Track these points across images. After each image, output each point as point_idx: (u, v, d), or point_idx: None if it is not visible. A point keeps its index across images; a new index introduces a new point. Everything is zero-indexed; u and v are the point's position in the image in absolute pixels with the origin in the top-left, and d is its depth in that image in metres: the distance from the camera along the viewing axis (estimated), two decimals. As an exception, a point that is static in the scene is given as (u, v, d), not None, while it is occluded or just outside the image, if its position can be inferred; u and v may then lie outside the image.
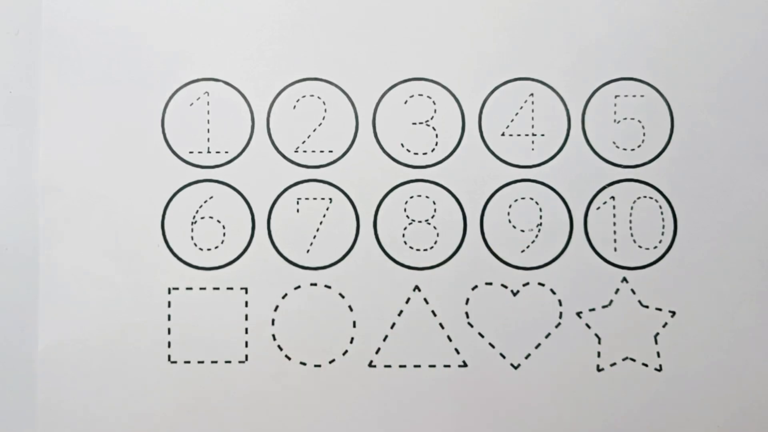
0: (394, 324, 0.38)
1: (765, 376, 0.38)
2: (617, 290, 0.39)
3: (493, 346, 0.38)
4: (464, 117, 0.39)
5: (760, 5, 0.40)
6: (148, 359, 0.38)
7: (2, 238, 0.38)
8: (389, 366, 0.38)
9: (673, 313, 0.38)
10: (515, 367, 0.38)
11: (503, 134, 0.39)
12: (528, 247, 0.39)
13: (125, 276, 0.38)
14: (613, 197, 0.39)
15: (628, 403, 0.38)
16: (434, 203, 0.39)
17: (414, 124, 0.39)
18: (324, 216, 0.39)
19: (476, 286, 0.38)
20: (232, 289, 0.38)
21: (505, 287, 0.39)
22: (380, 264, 0.39)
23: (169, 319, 0.38)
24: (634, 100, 0.39)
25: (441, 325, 0.38)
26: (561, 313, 0.38)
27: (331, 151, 0.39)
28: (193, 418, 0.38)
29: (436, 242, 0.39)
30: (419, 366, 0.38)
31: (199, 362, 0.38)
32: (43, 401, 0.37)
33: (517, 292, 0.39)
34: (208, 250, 0.38)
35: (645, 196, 0.39)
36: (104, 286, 0.38)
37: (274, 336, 0.38)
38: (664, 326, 0.38)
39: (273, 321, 0.38)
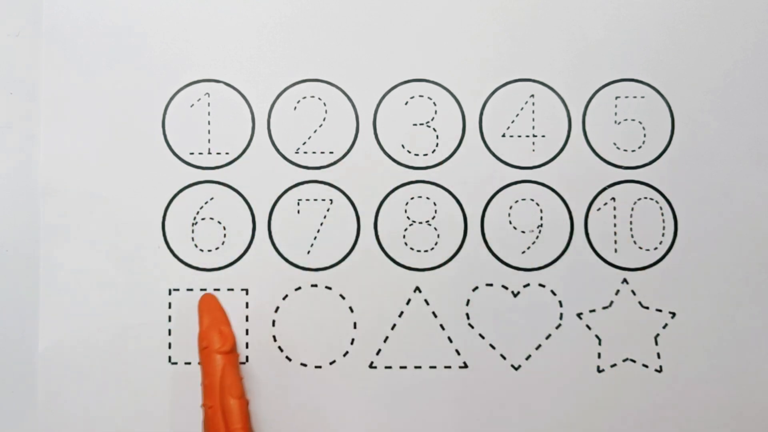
0: (394, 325, 0.38)
1: (765, 376, 0.38)
2: (618, 291, 0.39)
3: (493, 347, 0.38)
4: (465, 118, 0.39)
5: (760, 5, 0.40)
6: (148, 360, 0.38)
7: (3, 238, 0.38)
8: (390, 367, 0.38)
9: (674, 315, 0.38)
10: (516, 368, 0.38)
11: (504, 135, 0.39)
12: (529, 248, 0.39)
13: (126, 277, 0.38)
14: (613, 198, 0.39)
15: (628, 405, 0.38)
16: (435, 204, 0.39)
17: (415, 125, 0.39)
18: (324, 217, 0.39)
19: (477, 287, 0.38)
20: (232, 290, 0.38)
21: (506, 288, 0.39)
22: (381, 265, 0.39)
23: (169, 320, 0.38)
24: (635, 101, 0.39)
25: (441, 326, 0.38)
26: (561, 315, 0.38)
27: (331, 152, 0.39)
28: (193, 419, 0.38)
29: (436, 243, 0.39)
30: (420, 367, 0.38)
31: (199, 363, 0.38)
32: (43, 401, 0.37)
33: (518, 293, 0.39)
34: (209, 251, 0.38)
35: (645, 198, 0.39)
36: (105, 286, 0.38)
37: (274, 337, 0.38)
38: (664, 327, 0.38)
39: (273, 322, 0.38)
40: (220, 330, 0.35)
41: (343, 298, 0.38)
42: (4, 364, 0.38)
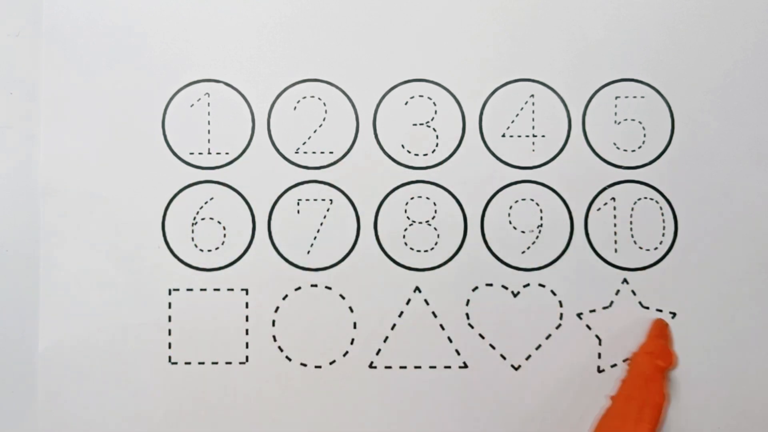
0: (394, 325, 0.38)
1: (765, 376, 0.38)
2: (618, 291, 0.39)
3: (493, 347, 0.38)
4: (465, 118, 0.39)
5: (760, 5, 0.40)
6: (148, 360, 0.38)
7: (3, 238, 0.38)
8: (390, 367, 0.38)
9: (674, 315, 0.38)
10: (516, 368, 0.38)
11: (504, 135, 0.39)
12: (528, 248, 0.39)
13: (126, 277, 0.38)
14: (613, 198, 0.39)
15: (628, 405, 0.38)
16: (435, 204, 0.39)
17: (414, 125, 0.39)
18: (324, 217, 0.39)
19: (477, 287, 0.38)
20: (232, 290, 0.38)
21: (506, 288, 0.39)
22: (381, 265, 0.39)
23: (169, 320, 0.38)
24: (635, 101, 0.39)
25: (441, 326, 0.38)
26: (561, 315, 0.38)
27: (331, 152, 0.39)
28: (194, 419, 0.38)
29: (436, 243, 0.39)
30: (420, 367, 0.38)
31: (199, 363, 0.38)
32: (43, 401, 0.37)
33: (518, 293, 0.39)
34: (209, 251, 0.38)
35: (645, 198, 0.39)
36: (105, 286, 0.38)
37: (274, 337, 0.38)
38: (664, 327, 0.38)
39: (273, 322, 0.38)
40: (669, 351, 0.37)
41: (343, 298, 0.38)
42: (4, 364, 0.38)
